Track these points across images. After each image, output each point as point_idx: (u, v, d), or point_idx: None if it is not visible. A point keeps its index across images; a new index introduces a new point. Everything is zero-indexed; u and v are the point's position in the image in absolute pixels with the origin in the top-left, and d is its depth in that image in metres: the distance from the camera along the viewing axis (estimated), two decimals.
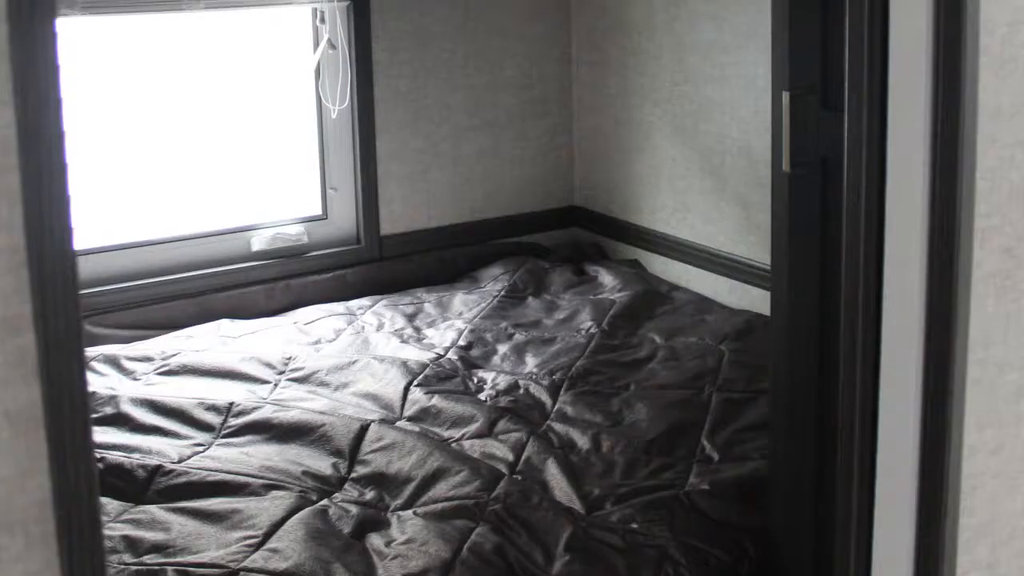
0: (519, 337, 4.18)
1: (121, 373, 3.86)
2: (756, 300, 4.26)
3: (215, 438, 3.42)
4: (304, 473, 3.18)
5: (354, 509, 3.01)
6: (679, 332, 4.16)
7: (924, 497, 2.12)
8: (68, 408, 1.37)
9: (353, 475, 3.20)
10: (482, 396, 3.69)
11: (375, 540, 2.92)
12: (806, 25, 2.52)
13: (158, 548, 2.86)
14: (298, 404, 3.58)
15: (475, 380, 3.82)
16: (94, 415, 3.40)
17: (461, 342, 4.11)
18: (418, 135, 4.85)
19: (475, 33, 4.92)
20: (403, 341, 4.13)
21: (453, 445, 3.36)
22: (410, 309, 4.47)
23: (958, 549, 2.13)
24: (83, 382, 1.38)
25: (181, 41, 4.48)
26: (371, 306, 4.50)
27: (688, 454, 3.32)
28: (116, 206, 4.44)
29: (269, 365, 3.89)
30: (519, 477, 3.16)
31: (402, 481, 3.13)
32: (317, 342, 4.15)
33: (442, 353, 3.99)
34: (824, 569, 2.58)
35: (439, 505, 3.01)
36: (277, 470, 3.19)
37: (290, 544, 2.83)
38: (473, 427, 3.45)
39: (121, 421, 3.48)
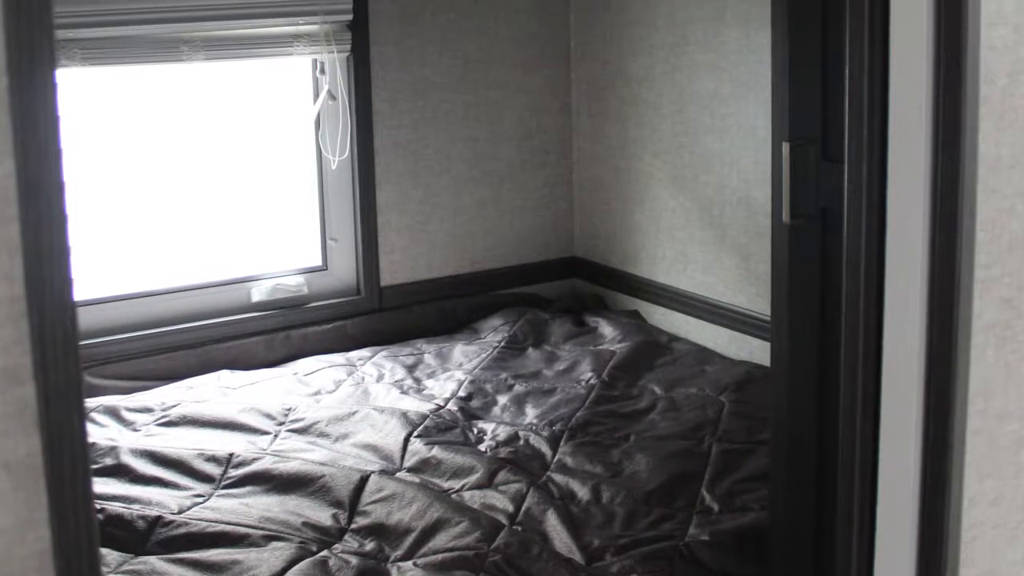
0: (519, 388, 4.17)
1: (121, 424, 3.85)
2: (756, 351, 4.26)
3: (215, 489, 3.41)
4: (304, 524, 3.17)
5: (354, 560, 3.00)
6: (679, 383, 4.16)
7: (924, 548, 2.11)
8: (68, 459, 1.36)
9: (353, 526, 3.19)
10: (482, 447, 3.68)
11: None
12: (806, 76, 2.53)
13: None
14: (298, 455, 3.57)
15: (475, 431, 3.82)
16: (94, 466, 3.39)
17: (461, 393, 4.10)
18: (418, 186, 4.86)
19: (475, 84, 4.94)
20: (403, 392, 4.13)
21: (453, 496, 3.35)
22: (410, 360, 4.47)
23: None
24: (83, 433, 1.38)
25: (181, 92, 4.50)
26: (371, 357, 4.50)
27: (688, 505, 3.31)
28: (116, 257, 4.44)
29: (269, 416, 3.89)
30: (519, 528, 3.15)
31: (402, 532, 3.12)
32: (317, 393, 4.14)
33: (442, 404, 3.98)
34: None
35: (439, 556, 2.99)
36: (277, 521, 3.18)
37: None
38: (473, 478, 3.44)
39: (121, 472, 3.47)
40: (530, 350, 4.56)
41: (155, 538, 3.11)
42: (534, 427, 3.81)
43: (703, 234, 4.56)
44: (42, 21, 1.28)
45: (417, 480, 3.43)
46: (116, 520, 3.15)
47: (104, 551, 2.98)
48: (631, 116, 4.82)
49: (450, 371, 4.35)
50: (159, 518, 3.16)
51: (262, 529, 3.13)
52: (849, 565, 2.25)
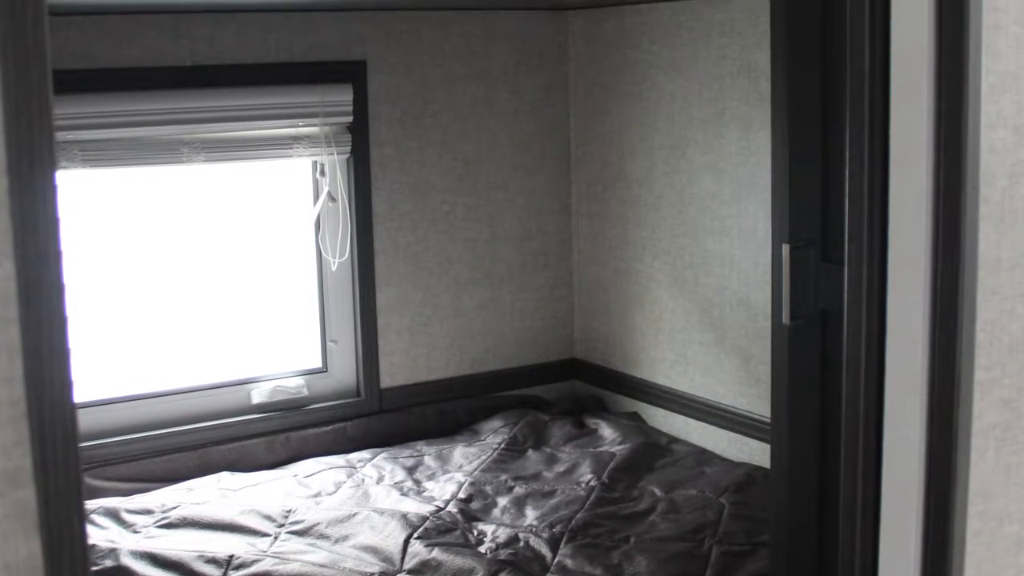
0: (519, 490, 4.15)
1: (121, 526, 3.83)
2: (756, 452, 4.25)
3: None
4: None
5: None
6: (679, 485, 4.14)
7: None
8: (68, 561, 1.36)
9: None
10: (482, 549, 3.66)
11: None
12: (806, 178, 2.54)
13: None
14: (298, 557, 3.55)
15: (475, 533, 3.80)
16: (94, 568, 3.37)
17: (461, 495, 4.08)
18: (418, 287, 4.87)
19: (475, 185, 4.96)
20: (403, 494, 4.11)
21: None
22: (410, 462, 4.46)
23: None
24: (83, 535, 1.37)
25: (182, 192, 4.51)
26: (371, 459, 4.48)
27: None
28: (116, 358, 4.44)
29: (269, 518, 3.86)
30: None
31: None
32: (317, 495, 4.12)
33: (442, 506, 3.97)
34: None
35: None
36: None
37: None
38: None
39: (121, 574, 3.45)
40: (530, 452, 4.55)
41: None
42: (534, 529, 3.79)
43: (703, 336, 4.56)
44: (42, 122, 1.29)
45: None
46: None
47: None
48: (631, 217, 4.84)
49: (450, 473, 4.33)
50: None
51: None
52: None
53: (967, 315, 1.99)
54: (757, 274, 4.22)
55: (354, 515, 3.85)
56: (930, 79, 1.97)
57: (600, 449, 4.51)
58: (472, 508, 4.00)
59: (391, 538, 3.68)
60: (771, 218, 2.67)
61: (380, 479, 4.27)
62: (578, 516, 3.87)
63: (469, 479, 4.22)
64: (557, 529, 3.77)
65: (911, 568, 2.08)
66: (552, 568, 3.53)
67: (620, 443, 4.52)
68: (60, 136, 3.99)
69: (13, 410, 1.32)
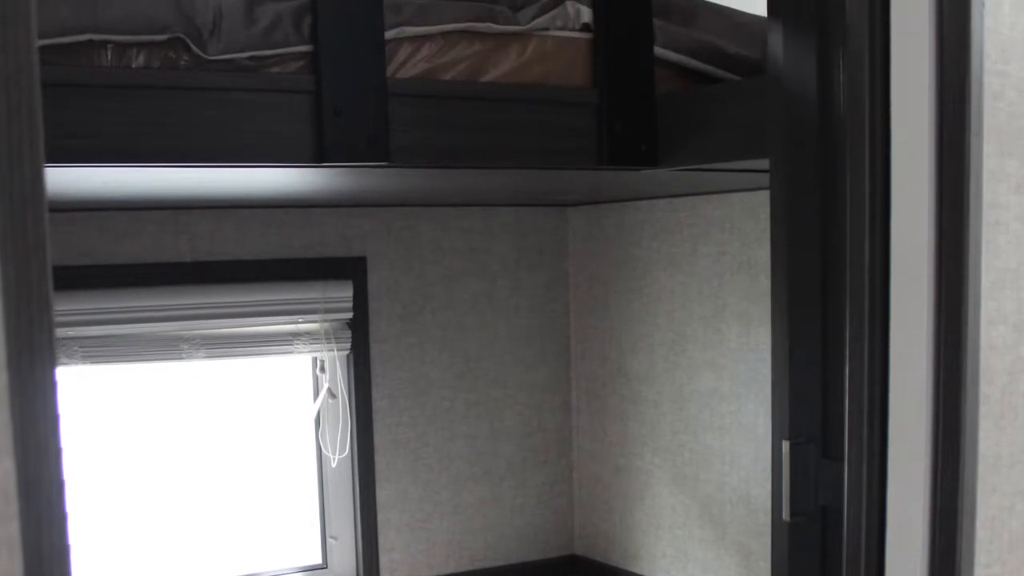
0: None
1: None
2: None
3: None
4: None
5: None
6: None
7: None
8: None
9: None
10: None
11: None
12: (806, 374, 2.54)
13: None
14: None
15: None
16: None
17: None
18: (418, 484, 4.85)
19: (475, 382, 4.97)
20: None
21: None
22: None
23: None
24: None
25: (182, 388, 4.52)
26: None
27: None
28: (116, 554, 4.40)
29: None
30: None
31: None
32: None
33: None
34: None
35: None
36: None
37: None
38: None
39: None
40: None
41: None
42: None
43: (703, 532, 4.52)
44: (42, 319, 1.29)
45: None
46: None
47: None
48: (631, 414, 4.84)
49: None
50: None
51: None
52: None
53: (967, 512, 1.98)
54: (757, 470, 4.21)
55: None
56: (930, 276, 1.98)
57: None
58: None
59: None
60: (771, 414, 2.66)
61: None
62: None
63: None
64: None
65: None
66: None
67: None
68: (60, 332, 4.00)
69: None
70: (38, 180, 1.27)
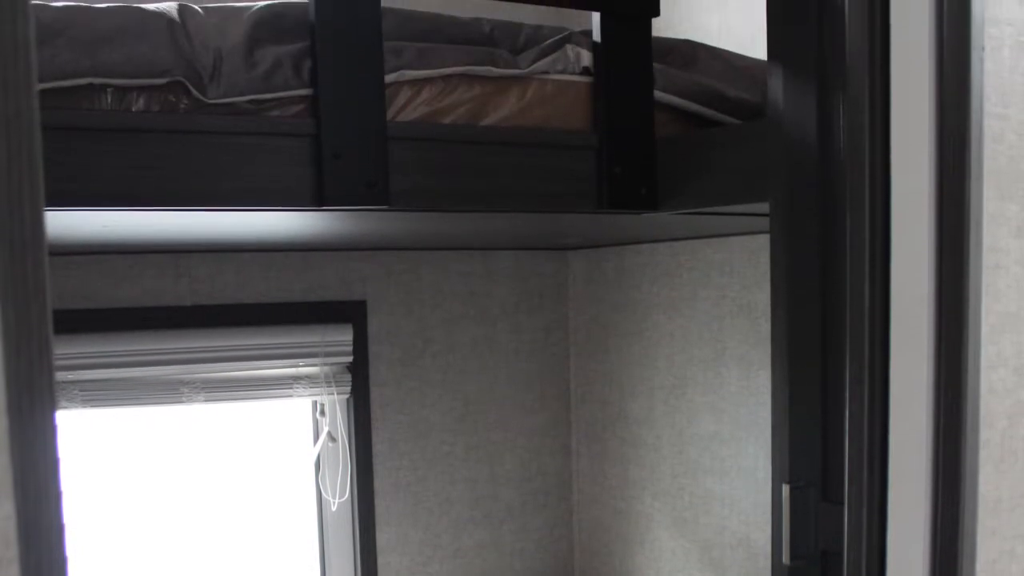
0: None
1: None
2: None
3: None
4: None
5: None
6: None
7: None
8: None
9: None
10: None
11: None
12: (806, 418, 2.53)
13: None
14: None
15: None
16: None
17: None
18: (418, 527, 4.83)
19: (476, 425, 4.96)
20: None
21: None
22: None
23: None
24: None
25: (181, 431, 4.51)
26: None
27: None
28: None
29: None
30: None
31: None
32: None
33: None
34: None
35: None
36: None
37: None
38: None
39: None
40: None
41: None
42: None
43: (703, 575, 4.51)
44: (42, 362, 1.29)
45: None
46: None
47: None
48: (631, 457, 4.83)
49: None
50: None
51: None
52: None
53: (967, 556, 1.97)
54: (757, 514, 4.19)
55: None
56: (930, 320, 1.98)
57: None
58: None
59: None
60: (771, 458, 2.66)
61: None
62: None
63: None
64: None
65: None
66: None
67: None
68: (60, 376, 4.00)
69: None
70: (38, 223, 1.27)
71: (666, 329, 4.61)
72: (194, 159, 2.55)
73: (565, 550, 5.20)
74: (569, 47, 3.01)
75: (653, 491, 4.73)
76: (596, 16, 3.04)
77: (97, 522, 4.36)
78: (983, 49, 1.94)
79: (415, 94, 2.80)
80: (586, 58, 3.01)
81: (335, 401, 4.60)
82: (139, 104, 2.51)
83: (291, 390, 4.51)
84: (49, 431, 1.31)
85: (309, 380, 4.52)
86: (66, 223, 2.86)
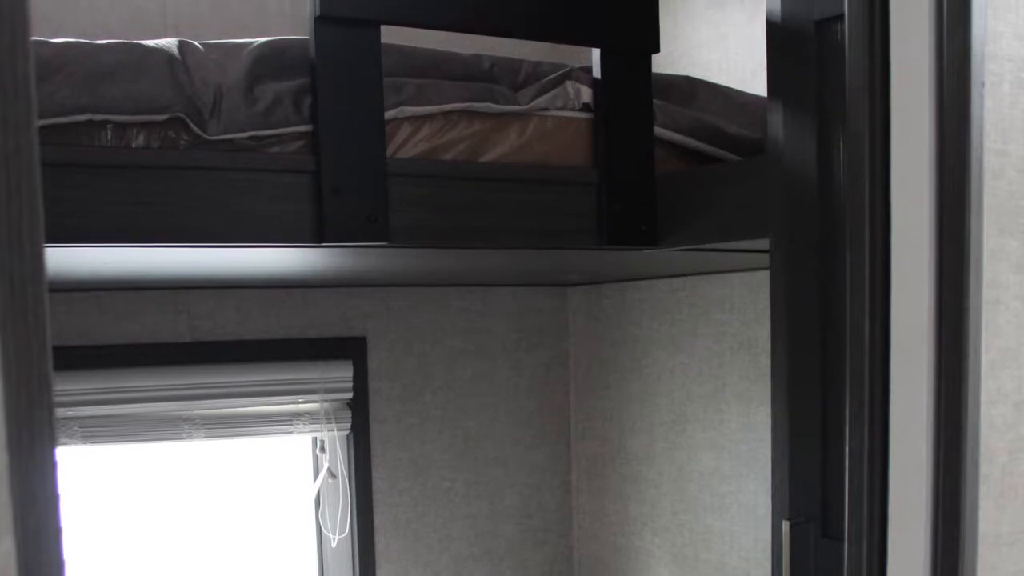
0: None
1: None
2: None
3: None
4: None
5: None
6: None
7: None
8: None
9: None
10: None
11: None
12: (806, 454, 2.53)
13: None
14: None
15: None
16: None
17: None
18: (418, 563, 4.82)
19: (476, 462, 4.95)
20: None
21: None
22: None
23: None
24: None
25: (182, 468, 4.50)
26: None
27: None
28: None
29: None
30: None
31: None
32: None
33: None
34: None
35: None
36: None
37: None
38: None
39: None
40: None
41: None
42: None
43: None
44: (42, 399, 1.29)
45: None
46: None
47: None
48: (631, 494, 4.82)
49: None
50: None
51: None
52: None
53: None
54: (757, 550, 4.18)
55: None
56: (930, 355, 1.98)
57: None
58: None
59: None
60: (771, 494, 2.66)
61: None
62: None
63: None
64: None
65: None
66: None
67: None
68: (60, 412, 3.99)
69: None
70: (38, 259, 1.27)
71: (666, 365, 4.61)
72: (194, 195, 2.55)
73: None
74: (569, 83, 3.02)
75: (653, 527, 4.72)
76: (596, 52, 3.05)
77: (97, 558, 4.35)
78: (983, 85, 1.94)
79: (415, 130, 2.81)
80: (586, 94, 3.02)
81: (335, 437, 4.59)
82: (139, 140, 2.51)
83: (291, 426, 4.50)
84: (49, 467, 1.30)
85: (309, 416, 4.52)
86: (66, 259, 2.86)
